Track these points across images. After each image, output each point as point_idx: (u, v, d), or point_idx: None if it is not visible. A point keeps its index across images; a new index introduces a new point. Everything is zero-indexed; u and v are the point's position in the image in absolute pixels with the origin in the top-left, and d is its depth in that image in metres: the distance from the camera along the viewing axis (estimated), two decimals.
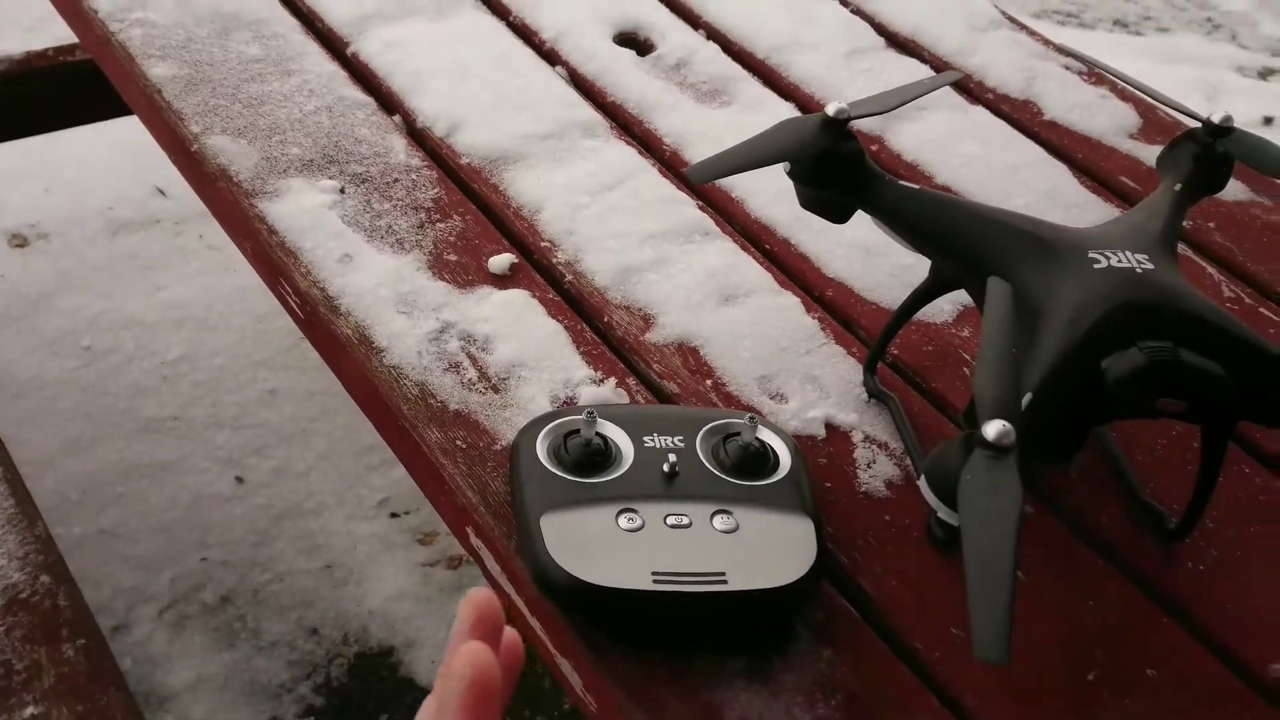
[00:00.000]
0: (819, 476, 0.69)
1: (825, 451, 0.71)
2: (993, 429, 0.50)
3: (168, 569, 1.44)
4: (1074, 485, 0.71)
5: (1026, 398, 0.56)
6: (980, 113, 1.02)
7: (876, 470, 0.70)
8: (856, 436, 0.72)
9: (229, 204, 0.80)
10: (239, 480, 1.55)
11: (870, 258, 0.84)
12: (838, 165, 0.66)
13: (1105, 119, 1.03)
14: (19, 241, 1.83)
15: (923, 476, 0.53)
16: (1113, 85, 1.08)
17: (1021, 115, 1.03)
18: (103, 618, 1.38)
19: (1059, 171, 0.97)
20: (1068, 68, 1.09)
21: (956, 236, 0.65)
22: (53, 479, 1.51)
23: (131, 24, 0.90)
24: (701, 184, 0.65)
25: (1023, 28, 1.14)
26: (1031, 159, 0.98)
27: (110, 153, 1.95)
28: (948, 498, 0.51)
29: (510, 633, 0.44)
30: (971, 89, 1.06)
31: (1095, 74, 1.09)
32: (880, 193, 0.67)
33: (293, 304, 0.76)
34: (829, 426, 0.72)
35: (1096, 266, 0.60)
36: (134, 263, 1.83)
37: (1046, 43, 1.13)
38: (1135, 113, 1.04)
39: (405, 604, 1.44)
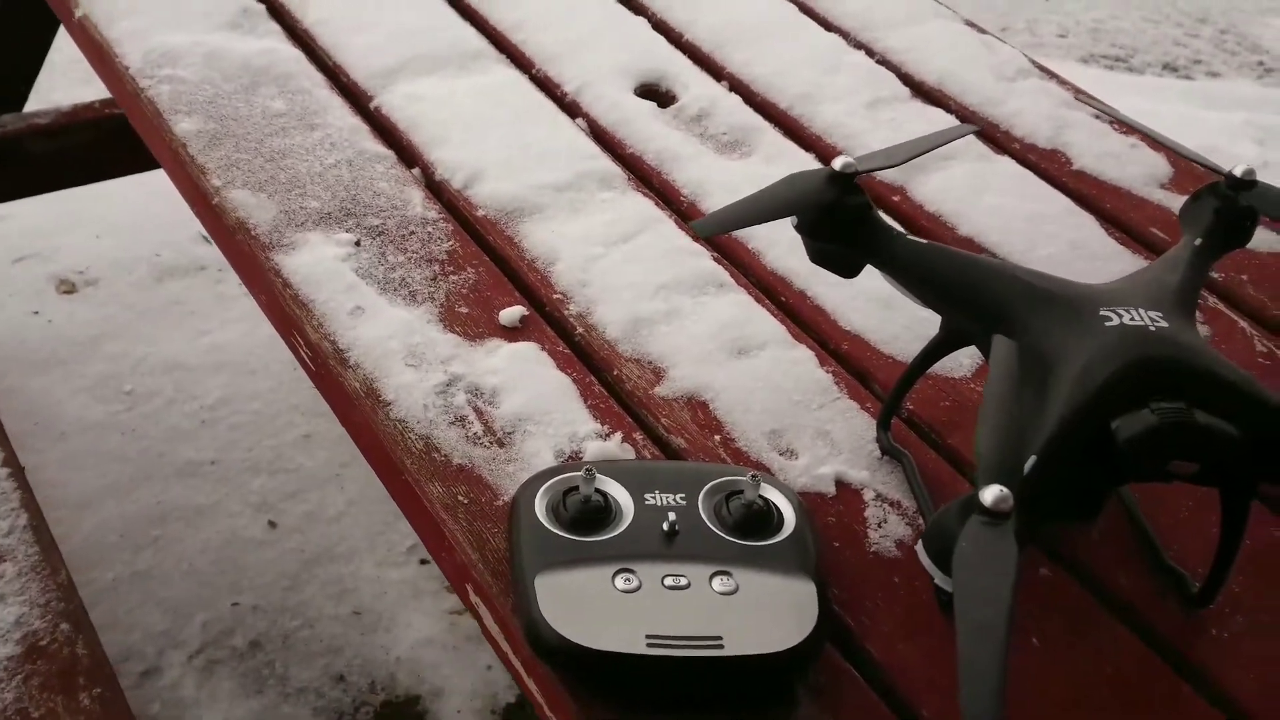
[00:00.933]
0: (827, 536, 0.68)
1: (835, 510, 0.69)
2: (990, 494, 0.48)
3: (199, 613, 1.45)
4: (1094, 547, 0.69)
5: (1031, 460, 0.54)
6: (1006, 162, 1.01)
7: (888, 530, 0.69)
8: (868, 495, 0.71)
9: (245, 256, 0.81)
10: (272, 525, 1.56)
11: (889, 310, 0.83)
12: (844, 219, 0.65)
13: (1136, 168, 1.01)
14: (68, 288, 1.87)
15: (920, 543, 0.52)
16: (1143, 135, 1.06)
17: (1049, 165, 1.01)
18: (133, 662, 1.39)
19: (1086, 222, 0.95)
20: (1098, 116, 1.08)
21: (965, 292, 0.64)
22: (92, 521, 1.53)
23: (161, 80, 0.92)
24: (707, 237, 0.64)
25: (1052, 76, 1.13)
26: (1058, 210, 0.96)
27: (158, 200, 1.99)
28: (946, 565, 0.50)
29: None
30: (998, 138, 1.04)
31: (1124, 123, 1.07)
32: (888, 247, 0.66)
33: (304, 356, 0.76)
34: (839, 484, 0.71)
35: (1108, 324, 0.59)
36: (178, 308, 1.86)
37: (1077, 91, 1.11)
38: (1167, 162, 1.03)
39: (433, 651, 1.43)
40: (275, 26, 1.02)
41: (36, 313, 1.82)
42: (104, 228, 1.98)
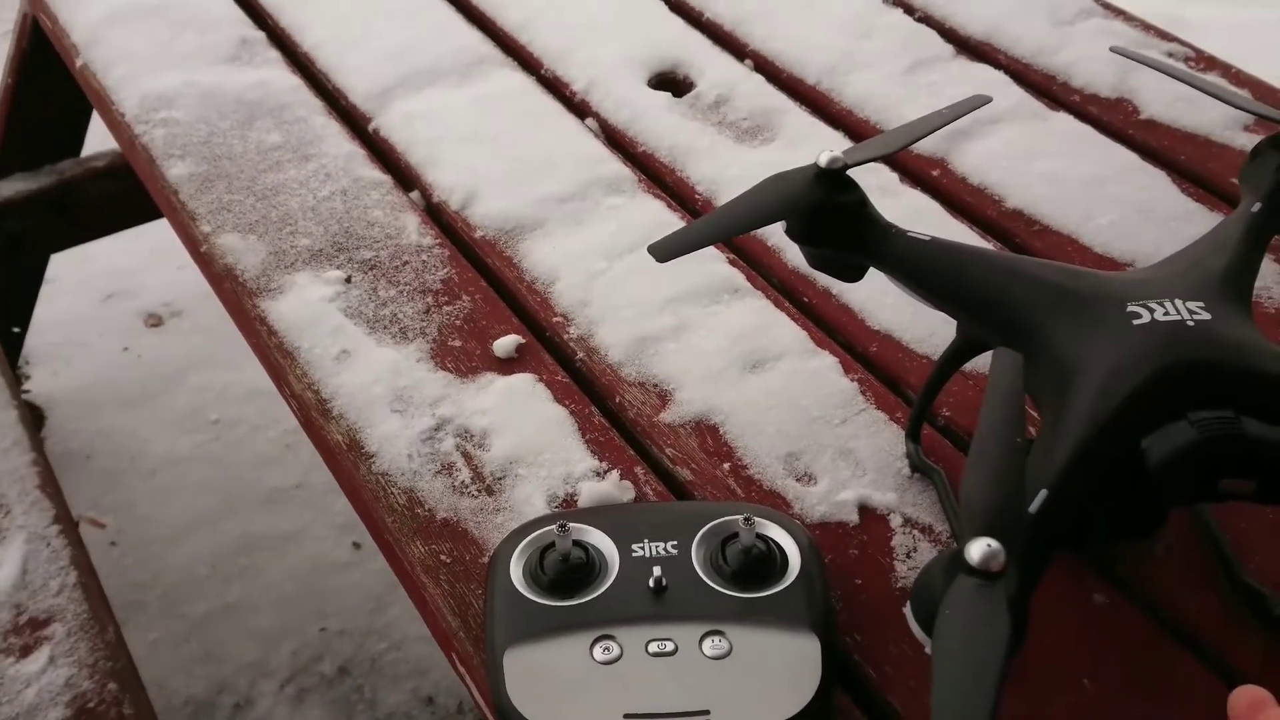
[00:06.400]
0: (849, 571, 0.61)
1: (858, 541, 0.62)
2: (976, 550, 0.41)
3: (288, 641, 1.45)
4: (1158, 565, 0.60)
5: (1042, 495, 0.47)
6: (1062, 119, 0.91)
7: (917, 560, 0.61)
8: (895, 520, 0.63)
9: (234, 305, 0.78)
10: (356, 546, 1.56)
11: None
12: (835, 220, 0.58)
13: (1215, 111, 0.90)
14: (154, 321, 1.90)
15: (908, 605, 0.45)
16: (1227, 69, 0.94)
17: (1113, 117, 0.91)
18: (226, 695, 1.40)
19: (1156, 180, 0.84)
20: (1171, 54, 0.96)
21: (975, 292, 0.56)
22: (182, 555, 1.55)
23: (156, 124, 0.90)
24: (665, 261, 0.58)
25: (1119, 13, 1.02)
26: (1122, 167, 0.86)
27: None
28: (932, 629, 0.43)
29: None
30: (1054, 91, 0.94)
31: (1206, 58, 0.95)
32: (887, 246, 0.58)
33: (292, 407, 0.73)
34: (863, 510, 0.64)
35: (1137, 322, 0.50)
36: None
37: (1147, 28, 1.00)
38: (1253, 98, 0.91)
39: None
40: (275, 54, 0.98)
41: (127, 349, 1.85)
42: (186, 259, 2.00)
